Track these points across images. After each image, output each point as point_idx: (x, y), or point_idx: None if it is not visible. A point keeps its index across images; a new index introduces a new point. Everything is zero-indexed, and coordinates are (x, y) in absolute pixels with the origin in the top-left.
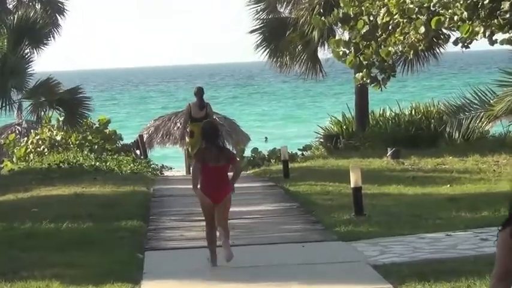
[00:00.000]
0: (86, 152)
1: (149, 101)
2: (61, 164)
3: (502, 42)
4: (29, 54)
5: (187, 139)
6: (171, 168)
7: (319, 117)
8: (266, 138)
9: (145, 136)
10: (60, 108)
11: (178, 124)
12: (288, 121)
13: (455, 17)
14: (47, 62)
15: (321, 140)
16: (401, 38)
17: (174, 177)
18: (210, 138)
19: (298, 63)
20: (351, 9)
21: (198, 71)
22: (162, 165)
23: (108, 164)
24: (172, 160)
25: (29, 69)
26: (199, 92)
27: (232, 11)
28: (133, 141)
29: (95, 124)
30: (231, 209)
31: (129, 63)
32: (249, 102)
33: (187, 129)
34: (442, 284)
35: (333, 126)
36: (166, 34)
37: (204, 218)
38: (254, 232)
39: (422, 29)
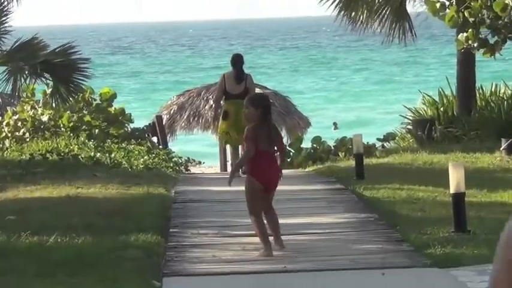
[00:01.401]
0: (82, 139)
1: (172, 68)
2: (48, 155)
3: None
4: (4, 3)
5: (220, 122)
6: (200, 163)
7: (406, 95)
8: (335, 124)
9: (164, 117)
10: (47, 75)
11: (211, 102)
12: (363, 100)
13: None
14: (32, 15)
15: (409, 126)
16: None
17: (204, 176)
18: (266, 113)
19: (379, 20)
20: None
21: (238, 29)
22: (188, 158)
23: (113, 155)
24: (202, 152)
25: (4, 24)
26: (238, 61)
27: None
28: (148, 124)
29: (95, 100)
30: (284, 222)
31: (143, 17)
32: (309, 73)
33: (220, 109)
34: None
35: (425, 108)
36: None
37: (250, 209)
38: (316, 253)
39: None
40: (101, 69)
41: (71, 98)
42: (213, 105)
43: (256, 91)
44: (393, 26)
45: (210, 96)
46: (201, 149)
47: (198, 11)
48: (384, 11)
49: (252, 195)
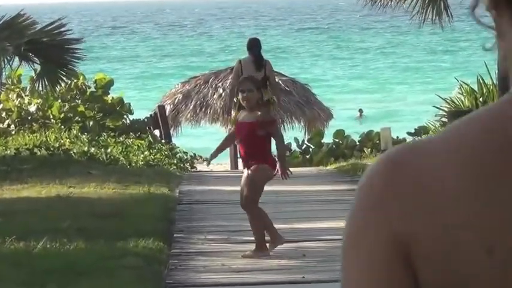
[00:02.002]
0: (74, 132)
1: (174, 51)
2: (36, 150)
3: None
4: None
5: (233, 114)
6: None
7: (440, 84)
8: (361, 111)
9: (168, 108)
10: (34, 58)
11: (221, 90)
12: (391, 89)
13: None
14: None
15: (444, 119)
16: None
17: (212, 174)
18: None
19: None
20: None
21: (245, 5)
22: (194, 154)
23: (109, 150)
24: (210, 147)
25: None
26: (255, 45)
27: None
28: (149, 115)
29: (89, 87)
30: (301, 226)
31: None
32: (330, 58)
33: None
34: None
35: (463, 98)
36: None
37: (256, 199)
38: (337, 262)
39: None
40: (94, 53)
41: (61, 83)
42: (227, 94)
43: (276, 80)
44: (426, 3)
45: (220, 84)
46: (209, 144)
47: None
48: None
49: (263, 186)
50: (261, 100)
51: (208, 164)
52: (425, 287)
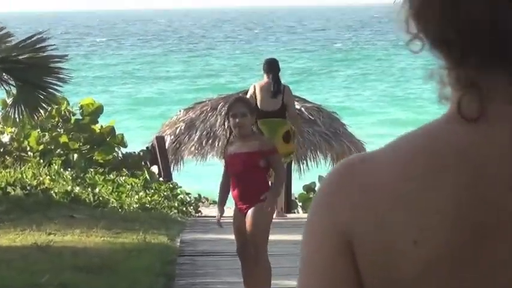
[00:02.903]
0: (56, 167)
1: (173, 71)
2: (10, 189)
3: None
4: None
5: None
6: (215, 202)
7: None
8: None
9: (168, 139)
10: (8, 78)
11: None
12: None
13: None
14: None
15: None
16: None
17: (220, 220)
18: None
19: None
20: None
21: (257, 14)
22: (199, 195)
23: (97, 190)
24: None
25: None
26: (273, 67)
27: None
28: (145, 148)
29: (74, 113)
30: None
31: (129, 3)
32: (359, 80)
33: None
34: None
35: None
36: None
37: (264, 243)
38: None
39: None
40: (78, 72)
41: (41, 110)
42: None
43: (295, 108)
44: None
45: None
46: (217, 183)
47: None
48: None
49: (269, 229)
50: (255, 126)
51: (220, 226)
52: (363, 271)
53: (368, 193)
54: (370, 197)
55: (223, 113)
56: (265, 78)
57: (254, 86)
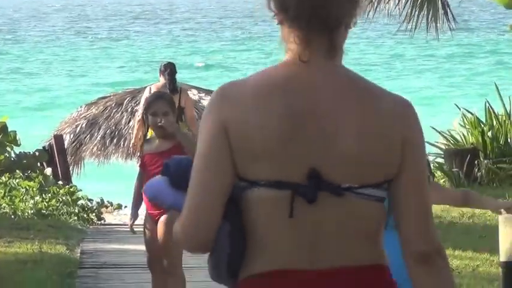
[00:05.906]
0: None
1: (75, 62)
2: None
3: None
4: None
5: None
6: (120, 207)
7: (435, 112)
8: None
9: (67, 138)
10: None
11: (138, 116)
12: None
13: None
14: None
15: (440, 159)
16: None
17: (126, 228)
18: None
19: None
20: None
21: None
22: (101, 200)
23: None
24: (124, 191)
25: None
26: (168, 68)
27: None
28: (42, 147)
29: None
30: None
31: None
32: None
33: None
34: None
35: (465, 133)
36: None
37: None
38: None
39: None
40: None
41: None
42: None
43: (194, 114)
44: (422, 7)
45: (137, 108)
46: (122, 188)
47: None
48: None
49: None
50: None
51: (134, 232)
52: (233, 144)
53: (237, 102)
54: (238, 104)
55: (129, 110)
56: (161, 80)
57: (150, 88)
